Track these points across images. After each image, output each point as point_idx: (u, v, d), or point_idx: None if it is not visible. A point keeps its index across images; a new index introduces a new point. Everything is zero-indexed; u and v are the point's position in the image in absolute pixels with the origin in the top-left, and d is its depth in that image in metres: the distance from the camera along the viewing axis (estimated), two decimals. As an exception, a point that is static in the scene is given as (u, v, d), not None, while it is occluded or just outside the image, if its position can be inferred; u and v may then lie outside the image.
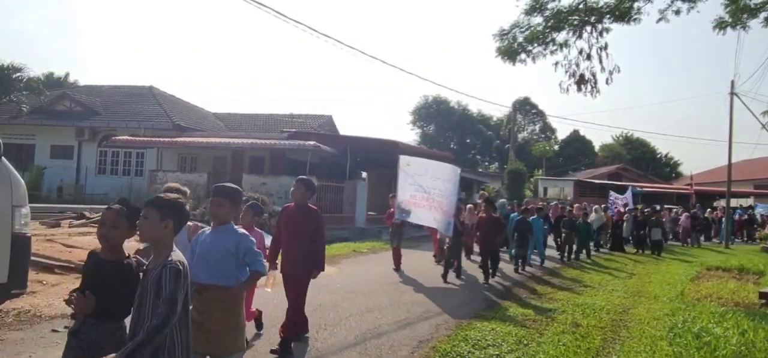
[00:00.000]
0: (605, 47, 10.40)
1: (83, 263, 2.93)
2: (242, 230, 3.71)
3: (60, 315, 5.79)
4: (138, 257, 2.90)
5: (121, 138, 23.07)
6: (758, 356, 5.57)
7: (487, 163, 59.45)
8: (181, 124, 25.22)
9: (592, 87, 10.64)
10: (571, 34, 10.64)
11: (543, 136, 58.30)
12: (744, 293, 9.99)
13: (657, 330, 6.61)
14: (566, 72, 10.75)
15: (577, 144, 56.89)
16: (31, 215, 5.56)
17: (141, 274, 2.69)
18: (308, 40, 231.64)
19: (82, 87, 33.60)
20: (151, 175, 20.96)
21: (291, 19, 30.25)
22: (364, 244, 14.67)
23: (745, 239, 25.60)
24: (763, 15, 10.53)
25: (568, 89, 10.82)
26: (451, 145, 55.50)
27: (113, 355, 2.35)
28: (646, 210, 19.10)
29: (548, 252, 14.24)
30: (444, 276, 9.71)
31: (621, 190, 24.72)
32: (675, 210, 24.86)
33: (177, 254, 2.65)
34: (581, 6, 10.42)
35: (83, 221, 14.12)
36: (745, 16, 10.59)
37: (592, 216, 16.81)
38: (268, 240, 5.91)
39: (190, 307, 2.79)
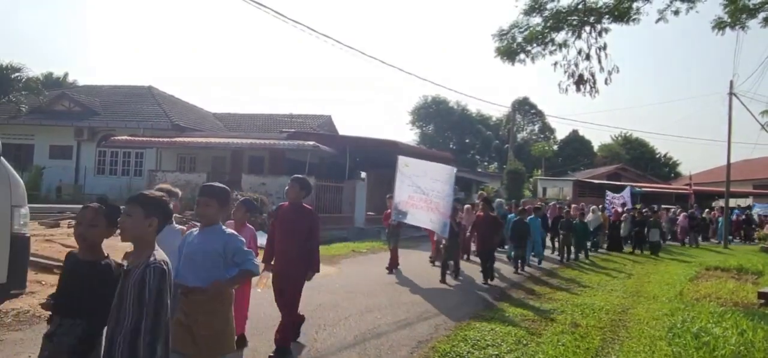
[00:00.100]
0: (604, 47, 10.41)
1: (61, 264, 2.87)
2: (230, 231, 3.60)
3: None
4: (125, 261, 2.78)
5: (120, 138, 23.05)
6: (757, 356, 5.58)
7: (486, 164, 59.45)
8: (180, 124, 25.21)
9: (591, 87, 10.64)
10: (570, 34, 10.64)
11: (542, 136, 58.33)
12: (743, 293, 10.00)
13: (656, 330, 6.62)
14: (565, 72, 10.75)
15: (576, 144, 56.91)
16: (30, 215, 5.56)
17: (121, 274, 2.60)
18: (308, 40, 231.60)
19: (81, 87, 33.58)
20: (150, 176, 20.94)
21: (290, 19, 30.21)
22: (363, 244, 14.68)
23: (743, 239, 25.57)
24: (761, 15, 10.53)
25: (567, 89, 10.82)
26: (451, 145, 55.51)
27: None
28: (644, 210, 19.04)
29: (546, 253, 14.26)
30: (442, 277, 9.70)
31: (618, 189, 24.70)
32: (673, 210, 24.84)
33: (160, 253, 2.57)
34: (580, 6, 10.42)
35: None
36: (743, 16, 10.59)
37: (589, 216, 16.76)
38: (263, 239, 5.88)
39: (177, 309, 2.73)
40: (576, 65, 10.62)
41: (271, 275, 5.18)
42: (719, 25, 10.74)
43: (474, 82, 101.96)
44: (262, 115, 32.67)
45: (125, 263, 2.72)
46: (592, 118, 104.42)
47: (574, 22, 10.50)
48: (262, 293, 5.35)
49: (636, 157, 53.05)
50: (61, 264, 2.90)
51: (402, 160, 10.44)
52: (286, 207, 5.27)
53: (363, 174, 23.73)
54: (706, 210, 27.53)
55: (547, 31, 10.63)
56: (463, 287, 9.45)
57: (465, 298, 8.54)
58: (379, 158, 20.51)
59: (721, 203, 27.48)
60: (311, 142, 19.76)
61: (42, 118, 25.15)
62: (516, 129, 49.97)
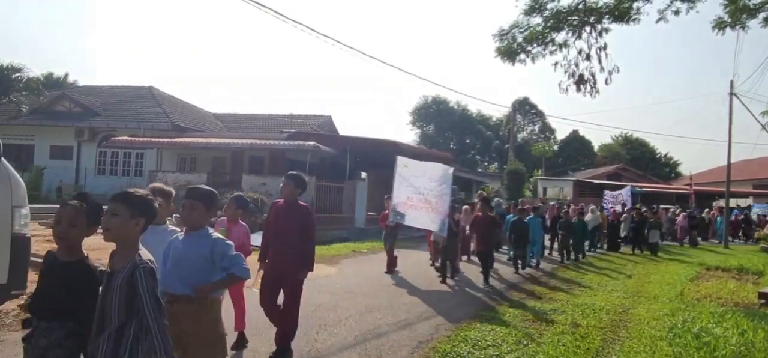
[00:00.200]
0: (604, 47, 10.39)
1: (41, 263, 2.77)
2: (217, 234, 3.47)
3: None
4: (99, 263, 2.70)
5: (120, 138, 23.07)
6: (758, 356, 5.58)
7: (486, 164, 59.47)
8: (180, 124, 25.22)
9: (592, 87, 10.62)
10: (570, 34, 10.63)
11: (542, 136, 58.35)
12: (743, 293, 10.01)
13: (657, 330, 6.62)
14: (566, 72, 10.72)
15: (577, 144, 56.93)
16: (30, 215, 5.57)
17: (105, 275, 2.51)
18: (308, 40, 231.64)
19: (81, 87, 33.60)
20: (150, 176, 20.95)
21: (290, 19, 30.22)
22: (363, 244, 14.68)
23: (742, 238, 25.49)
24: (762, 15, 10.52)
25: (567, 89, 10.79)
26: (451, 146, 55.53)
27: None
28: (644, 211, 18.95)
29: (546, 253, 14.24)
30: (442, 278, 9.67)
31: (617, 189, 24.66)
32: (672, 210, 24.76)
33: (145, 253, 2.49)
34: (581, 6, 10.41)
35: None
36: (744, 16, 10.58)
37: (588, 216, 16.70)
38: (257, 238, 5.85)
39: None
40: (576, 65, 10.61)
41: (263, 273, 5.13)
42: (719, 25, 10.74)
43: (474, 82, 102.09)
44: (262, 115, 32.68)
45: (98, 264, 2.65)
46: (592, 119, 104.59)
47: (575, 22, 10.49)
48: (253, 295, 5.32)
49: (636, 158, 53.06)
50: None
51: (401, 160, 10.38)
52: (280, 205, 5.17)
53: (363, 174, 23.75)
54: (706, 210, 27.50)
55: (547, 31, 10.62)
56: (463, 288, 9.44)
57: (465, 298, 8.54)
58: (379, 159, 20.52)
59: (721, 202, 27.46)
60: (311, 143, 19.77)
61: (42, 119, 25.18)
62: (516, 129, 50.00)
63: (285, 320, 5.00)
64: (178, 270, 3.24)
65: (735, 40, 75.62)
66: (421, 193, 9.76)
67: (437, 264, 10.49)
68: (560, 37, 10.70)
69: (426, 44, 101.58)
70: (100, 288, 2.51)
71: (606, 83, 10.52)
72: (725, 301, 9.17)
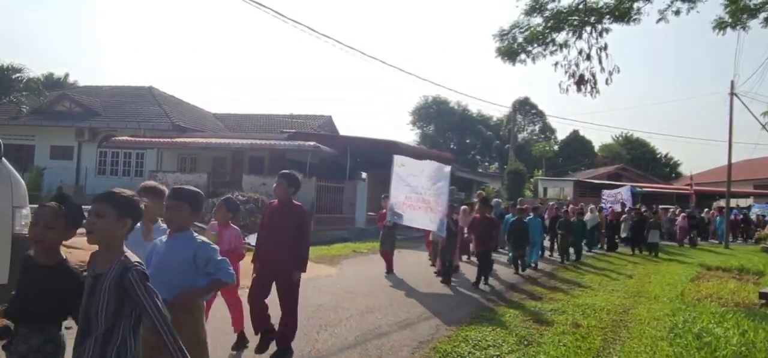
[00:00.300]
0: (605, 47, 10.39)
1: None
2: (202, 238, 3.33)
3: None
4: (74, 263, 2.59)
5: (120, 139, 23.10)
6: (759, 357, 5.58)
7: (487, 164, 59.45)
8: (181, 124, 25.25)
9: (592, 87, 10.63)
10: (570, 34, 10.64)
11: (543, 136, 58.32)
12: (744, 293, 10.00)
13: (657, 330, 6.62)
14: (566, 72, 10.74)
15: (577, 144, 56.90)
16: (31, 216, 5.56)
17: (91, 278, 2.38)
18: (308, 40, 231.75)
19: (81, 88, 33.64)
20: (151, 176, 20.96)
21: (290, 19, 30.24)
22: (364, 244, 14.68)
23: (742, 238, 25.42)
24: (762, 15, 10.53)
25: (567, 89, 10.80)
26: (451, 146, 55.50)
27: None
28: (644, 211, 18.89)
29: (545, 254, 14.21)
30: (444, 280, 9.61)
31: (614, 189, 24.62)
32: (672, 210, 24.71)
33: (132, 255, 2.38)
34: (581, 6, 10.42)
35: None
36: (744, 16, 10.59)
37: (587, 216, 16.65)
38: (252, 239, 5.82)
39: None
40: (577, 65, 10.62)
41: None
42: (720, 25, 10.75)
43: (474, 82, 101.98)
44: (262, 115, 32.71)
45: (72, 263, 2.54)
46: (592, 119, 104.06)
47: (575, 23, 10.50)
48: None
49: (637, 158, 53.03)
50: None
51: (397, 159, 10.22)
52: (274, 206, 5.13)
53: (364, 174, 23.75)
54: (705, 210, 27.47)
55: (547, 31, 10.63)
56: (464, 288, 9.43)
57: (465, 299, 8.54)
58: (379, 159, 20.49)
59: (721, 203, 27.45)
60: (312, 143, 19.78)
61: (43, 119, 25.20)
62: (517, 129, 50.00)
63: (284, 322, 4.98)
64: (159, 273, 3.08)
65: (736, 40, 75.51)
66: (418, 192, 9.63)
67: (437, 267, 10.37)
68: (561, 37, 10.72)
69: (426, 44, 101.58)
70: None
71: (606, 83, 10.54)
72: (726, 301, 9.17)
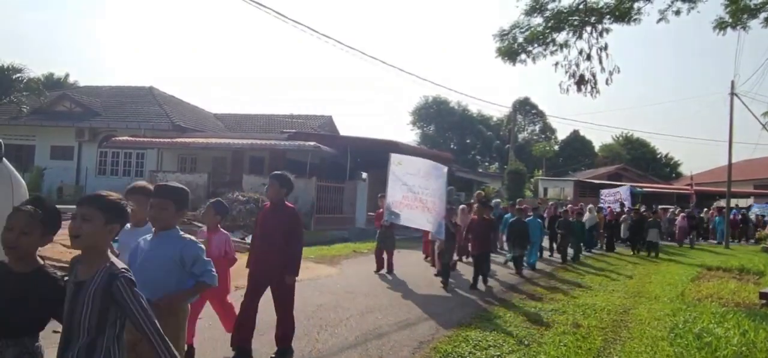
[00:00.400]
0: (605, 48, 10.41)
1: None
2: (188, 236, 3.24)
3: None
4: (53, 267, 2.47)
5: (121, 139, 23.10)
6: (759, 357, 5.58)
7: (487, 164, 59.46)
8: (181, 124, 25.25)
9: (592, 87, 10.64)
10: (571, 34, 10.65)
11: (543, 136, 58.34)
12: (745, 293, 10.00)
13: (658, 330, 6.62)
14: (566, 72, 10.75)
15: (577, 144, 56.92)
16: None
17: (73, 285, 2.26)
18: (308, 40, 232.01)
19: (82, 88, 33.66)
20: (151, 176, 20.97)
21: (291, 19, 30.27)
22: (364, 244, 14.66)
23: (741, 239, 25.36)
24: (763, 15, 10.54)
25: (568, 90, 10.81)
26: (451, 146, 55.49)
27: None
28: (644, 211, 18.83)
29: (545, 254, 14.19)
30: (443, 281, 9.41)
31: (612, 188, 24.59)
32: (671, 210, 24.68)
33: (118, 261, 2.29)
34: (581, 6, 10.43)
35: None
36: (745, 16, 10.60)
37: (586, 216, 16.61)
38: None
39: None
40: (577, 65, 10.63)
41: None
42: (720, 25, 10.76)
43: (474, 82, 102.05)
44: (262, 115, 32.71)
45: (51, 268, 2.44)
46: (592, 119, 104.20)
47: (575, 23, 10.51)
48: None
49: (637, 158, 53.03)
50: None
51: (394, 158, 10.05)
52: (267, 208, 5.05)
53: (364, 174, 23.75)
54: (705, 210, 27.44)
55: (548, 31, 10.64)
56: (464, 289, 9.41)
57: (466, 299, 8.53)
58: (379, 159, 20.44)
59: (721, 203, 27.43)
60: (312, 143, 19.78)
61: (43, 119, 25.20)
62: (517, 129, 50.01)
63: (282, 324, 4.95)
64: (143, 273, 2.99)
65: (736, 41, 75.53)
66: (414, 192, 9.47)
67: (438, 268, 10.29)
68: (561, 37, 10.74)
69: (426, 44, 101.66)
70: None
71: (607, 83, 10.57)
72: (726, 301, 9.16)
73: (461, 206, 11.95)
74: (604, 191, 24.18)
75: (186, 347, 4.78)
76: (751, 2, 10.38)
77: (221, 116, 32.18)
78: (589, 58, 10.51)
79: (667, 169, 56.16)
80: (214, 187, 19.78)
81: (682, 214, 22.29)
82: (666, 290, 10.09)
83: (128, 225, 3.02)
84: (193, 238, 3.28)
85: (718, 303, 8.86)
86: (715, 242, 23.43)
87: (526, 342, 5.89)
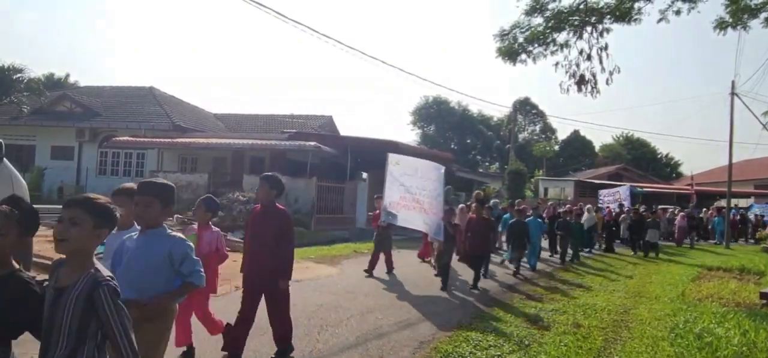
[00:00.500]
0: (605, 48, 10.41)
1: None
2: (176, 234, 3.16)
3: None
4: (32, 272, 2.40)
5: (121, 139, 23.11)
6: (760, 357, 5.57)
7: (487, 164, 59.45)
8: (181, 124, 25.26)
9: (593, 87, 10.64)
10: (571, 34, 10.65)
11: (543, 136, 58.35)
12: (745, 293, 10.00)
13: (658, 330, 6.62)
14: (566, 72, 10.75)
15: (578, 144, 56.92)
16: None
17: (54, 291, 2.16)
18: (308, 40, 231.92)
19: (82, 88, 33.68)
20: (151, 176, 20.95)
21: (291, 19, 30.28)
22: (364, 244, 14.66)
23: (740, 239, 25.31)
24: (763, 15, 10.54)
25: (568, 90, 10.81)
26: (452, 146, 55.47)
27: None
28: (643, 211, 18.80)
29: (544, 254, 14.16)
30: (443, 283, 9.32)
31: (611, 188, 24.56)
32: (671, 210, 24.65)
33: (103, 268, 2.19)
34: (582, 6, 10.43)
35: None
36: (745, 16, 10.60)
37: (585, 216, 16.59)
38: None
39: None
40: (577, 65, 10.63)
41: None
42: (721, 25, 10.76)
43: (475, 82, 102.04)
44: (263, 115, 32.72)
45: (32, 273, 2.37)
46: (593, 119, 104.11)
47: (576, 23, 10.51)
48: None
49: (637, 158, 53.03)
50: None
51: (392, 158, 10.01)
52: (257, 210, 4.99)
53: (364, 175, 23.75)
54: (704, 210, 27.42)
55: (548, 31, 10.64)
56: (464, 290, 9.41)
57: (466, 300, 8.53)
58: (380, 159, 20.39)
59: (721, 202, 27.41)
60: (312, 143, 19.78)
61: (43, 119, 25.22)
62: (517, 129, 49.98)
63: (279, 327, 4.93)
64: (129, 272, 2.90)
65: (736, 41, 75.53)
66: (412, 192, 9.42)
67: (438, 269, 10.25)
68: (561, 37, 10.74)
69: (426, 44, 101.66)
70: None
71: (607, 83, 10.56)
72: (727, 301, 9.16)
73: (460, 206, 11.92)
74: (602, 191, 24.14)
75: (186, 348, 4.80)
76: (752, 2, 10.38)
77: (221, 116, 32.18)
78: (589, 58, 10.51)
79: (667, 169, 56.17)
80: (215, 187, 19.77)
81: (682, 214, 22.26)
82: (666, 290, 10.09)
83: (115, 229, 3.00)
84: (181, 235, 3.20)
85: (719, 303, 8.86)
86: (714, 242, 23.39)
87: (526, 342, 5.89)
